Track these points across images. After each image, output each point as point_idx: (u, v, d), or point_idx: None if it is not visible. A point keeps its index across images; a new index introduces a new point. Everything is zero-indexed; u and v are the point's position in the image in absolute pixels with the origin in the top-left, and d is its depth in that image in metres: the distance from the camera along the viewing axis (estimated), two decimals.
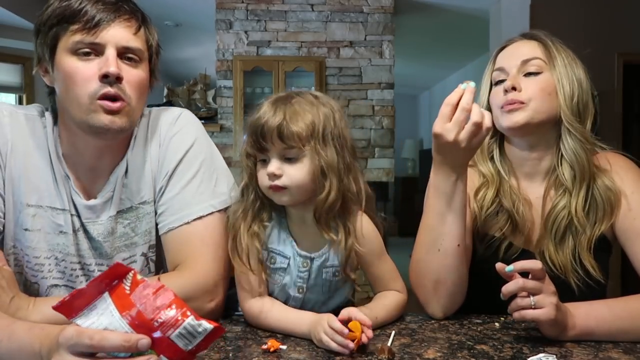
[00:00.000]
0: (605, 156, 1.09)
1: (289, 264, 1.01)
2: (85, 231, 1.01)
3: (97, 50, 0.92)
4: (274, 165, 0.94)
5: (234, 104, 4.43)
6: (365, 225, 1.00)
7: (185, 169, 1.04)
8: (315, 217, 0.97)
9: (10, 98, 4.74)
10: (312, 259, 1.00)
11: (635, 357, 0.84)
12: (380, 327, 0.98)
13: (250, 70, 4.44)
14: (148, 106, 1.11)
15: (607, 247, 1.09)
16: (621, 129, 4.27)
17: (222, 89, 4.49)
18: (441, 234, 0.98)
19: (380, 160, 4.55)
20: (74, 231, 1.00)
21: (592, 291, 1.04)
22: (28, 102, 4.69)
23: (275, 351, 0.85)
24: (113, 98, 0.92)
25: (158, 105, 1.13)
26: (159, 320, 0.66)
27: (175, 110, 1.10)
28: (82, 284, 1.01)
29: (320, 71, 4.46)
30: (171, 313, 0.67)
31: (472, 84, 0.90)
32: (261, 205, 1.00)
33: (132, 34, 0.94)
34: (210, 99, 4.69)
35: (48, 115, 1.03)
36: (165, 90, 4.73)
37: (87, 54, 0.92)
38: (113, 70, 0.90)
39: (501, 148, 1.15)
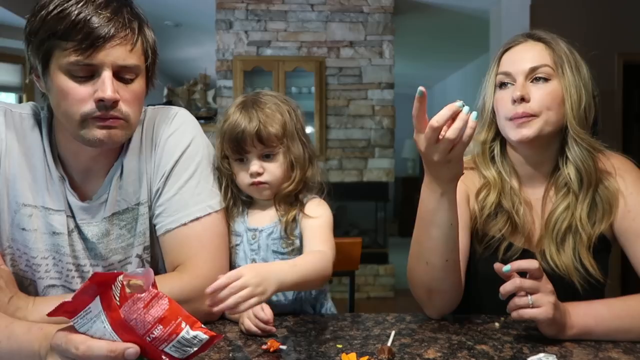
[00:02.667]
0: (609, 158, 1.09)
1: (242, 240, 1.09)
2: (80, 232, 1.01)
3: (92, 70, 0.88)
4: (256, 165, 1.05)
5: None
6: (315, 207, 1.08)
7: (182, 170, 1.03)
8: (274, 201, 1.09)
9: (11, 98, 4.74)
10: (260, 231, 1.08)
11: (635, 357, 0.84)
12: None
13: (250, 70, 4.44)
14: (149, 106, 1.10)
15: (607, 246, 1.09)
16: (621, 129, 4.27)
17: (222, 89, 4.49)
18: (428, 249, 0.97)
19: (380, 160, 4.55)
20: (69, 232, 0.99)
21: (595, 290, 1.05)
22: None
23: (275, 351, 0.85)
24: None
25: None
26: (152, 335, 0.65)
27: (171, 110, 1.09)
28: (78, 284, 1.01)
29: (320, 71, 4.46)
30: (164, 328, 0.65)
31: (465, 109, 0.83)
32: (234, 202, 1.10)
33: (129, 50, 0.89)
34: (210, 99, 4.70)
35: (43, 115, 1.01)
36: (165, 90, 4.74)
37: (81, 73, 0.88)
38: (109, 95, 0.87)
39: (502, 150, 1.14)
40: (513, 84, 1.06)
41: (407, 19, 5.00)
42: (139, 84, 0.94)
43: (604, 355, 0.84)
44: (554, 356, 0.81)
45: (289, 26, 4.51)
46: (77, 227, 1.00)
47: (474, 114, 0.83)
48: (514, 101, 1.03)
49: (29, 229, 0.98)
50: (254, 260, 1.07)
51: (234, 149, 1.05)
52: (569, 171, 1.06)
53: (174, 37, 5.97)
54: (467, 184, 1.14)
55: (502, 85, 1.08)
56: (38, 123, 1.01)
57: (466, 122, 0.82)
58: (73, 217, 1.00)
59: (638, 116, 4.66)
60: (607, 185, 1.06)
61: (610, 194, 1.05)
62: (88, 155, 0.99)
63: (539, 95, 1.03)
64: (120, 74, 0.90)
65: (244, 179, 1.07)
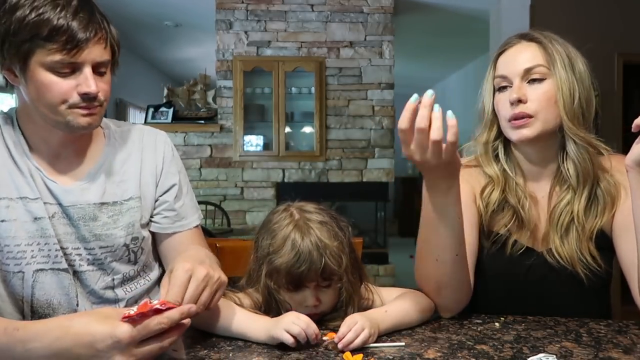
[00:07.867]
0: (612, 158, 1.10)
1: None
2: (65, 214, 1.04)
3: (74, 66, 0.96)
4: (313, 297, 0.98)
5: (234, 104, 4.43)
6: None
7: (184, 182, 1.20)
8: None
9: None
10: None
11: (636, 357, 0.84)
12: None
13: (250, 71, 4.44)
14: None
15: (608, 242, 1.10)
16: (621, 129, 4.27)
17: (222, 89, 4.49)
18: (437, 246, 0.97)
19: (380, 161, 4.55)
20: (50, 217, 1.03)
21: (600, 281, 1.08)
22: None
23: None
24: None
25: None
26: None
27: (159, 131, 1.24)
28: (66, 266, 1.04)
29: (320, 71, 4.46)
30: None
31: (428, 94, 0.82)
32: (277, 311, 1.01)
33: (104, 48, 0.99)
34: (210, 99, 4.69)
35: (9, 113, 1.07)
36: (165, 91, 4.72)
37: (64, 70, 0.96)
38: (94, 89, 0.97)
39: (506, 147, 1.15)
40: (511, 86, 1.07)
41: (407, 19, 5.00)
42: (109, 75, 1.04)
43: (604, 355, 0.85)
44: (554, 356, 0.81)
45: (289, 26, 4.51)
46: (62, 210, 1.04)
47: (449, 112, 0.82)
48: (511, 103, 1.05)
49: (9, 219, 1.00)
50: None
51: (292, 283, 0.98)
52: (568, 167, 1.08)
53: (174, 37, 5.98)
54: (472, 183, 1.15)
55: (501, 89, 1.10)
56: (5, 120, 1.06)
57: (435, 116, 0.82)
58: (58, 203, 1.04)
59: (638, 116, 4.66)
60: (609, 180, 1.08)
61: (614, 188, 1.07)
62: (57, 141, 1.04)
63: (535, 96, 1.05)
64: (97, 69, 0.99)
65: (297, 308, 0.99)
